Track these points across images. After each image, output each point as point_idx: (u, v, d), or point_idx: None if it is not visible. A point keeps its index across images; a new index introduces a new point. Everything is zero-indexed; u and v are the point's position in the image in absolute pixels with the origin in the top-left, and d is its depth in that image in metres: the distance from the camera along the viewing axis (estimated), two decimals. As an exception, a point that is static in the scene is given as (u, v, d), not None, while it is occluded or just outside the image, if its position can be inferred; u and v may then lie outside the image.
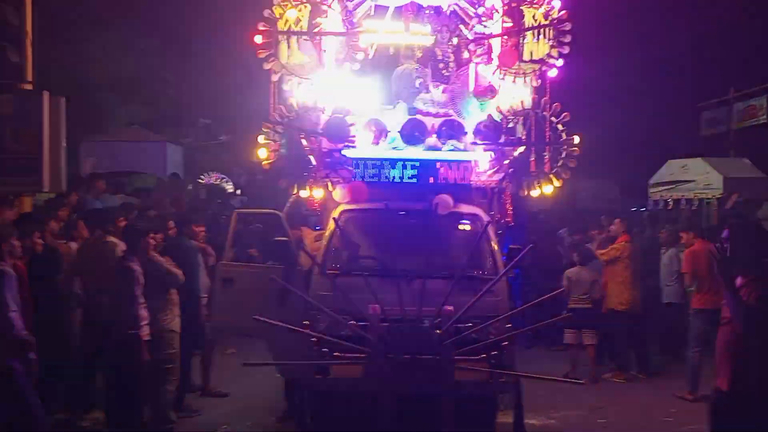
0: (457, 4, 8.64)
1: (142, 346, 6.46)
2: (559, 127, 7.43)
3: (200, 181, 18.81)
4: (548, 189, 7.48)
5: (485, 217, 7.43)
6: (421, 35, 9.52)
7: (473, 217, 7.42)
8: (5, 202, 8.81)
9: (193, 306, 7.76)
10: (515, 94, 7.72)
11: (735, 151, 18.33)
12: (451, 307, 6.37)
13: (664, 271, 10.42)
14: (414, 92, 8.43)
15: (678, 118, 21.82)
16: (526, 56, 8.31)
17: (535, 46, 8.35)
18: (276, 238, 7.57)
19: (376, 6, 10.17)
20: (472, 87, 7.94)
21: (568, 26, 7.76)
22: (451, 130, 7.49)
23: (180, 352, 7.21)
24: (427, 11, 9.14)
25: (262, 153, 7.45)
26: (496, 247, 7.20)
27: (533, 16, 8.41)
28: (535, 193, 7.54)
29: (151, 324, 6.79)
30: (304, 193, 7.61)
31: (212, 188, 18.31)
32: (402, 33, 9.78)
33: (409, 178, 7.49)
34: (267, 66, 7.78)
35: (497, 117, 7.44)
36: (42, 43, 10.52)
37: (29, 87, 9.43)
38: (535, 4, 8.27)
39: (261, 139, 7.46)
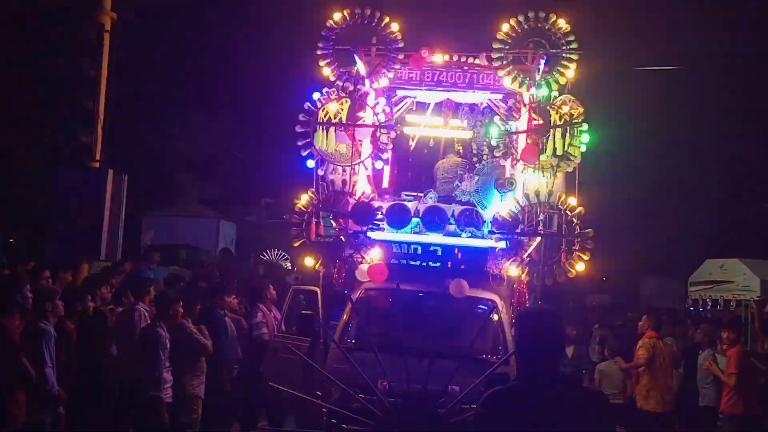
0: (490, 101, 9.27)
1: (163, 408, 6.88)
2: (574, 220, 7.75)
3: (262, 257, 19.65)
4: (562, 278, 7.72)
5: (499, 303, 7.71)
6: (460, 130, 10.20)
7: (486, 302, 7.70)
8: (66, 267, 9.64)
9: (217, 374, 8.15)
10: (539, 187, 8.13)
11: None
12: (456, 387, 6.61)
13: (700, 372, 10.25)
14: (455, 183, 9.00)
15: (748, 217, 21.59)
16: (549, 152, 8.86)
17: (560, 143, 8.88)
18: (302, 312, 8.02)
19: (417, 102, 10.99)
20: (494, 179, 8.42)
21: (585, 126, 8.21)
22: (470, 218, 7.91)
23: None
24: (463, 108, 9.84)
25: (292, 232, 8.04)
26: (508, 332, 7.43)
27: (558, 115, 8.98)
28: (549, 282, 7.80)
29: (178, 388, 7.24)
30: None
31: (269, 265, 19.10)
32: (441, 127, 10.53)
33: (428, 261, 7.88)
34: (304, 153, 8.49)
35: (515, 208, 7.83)
36: (123, 122, 11.63)
37: (96, 164, 10.41)
38: (556, 105, 8.84)
39: (293, 219, 8.07)
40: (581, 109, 9.71)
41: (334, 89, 8.96)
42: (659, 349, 9.92)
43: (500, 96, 9.21)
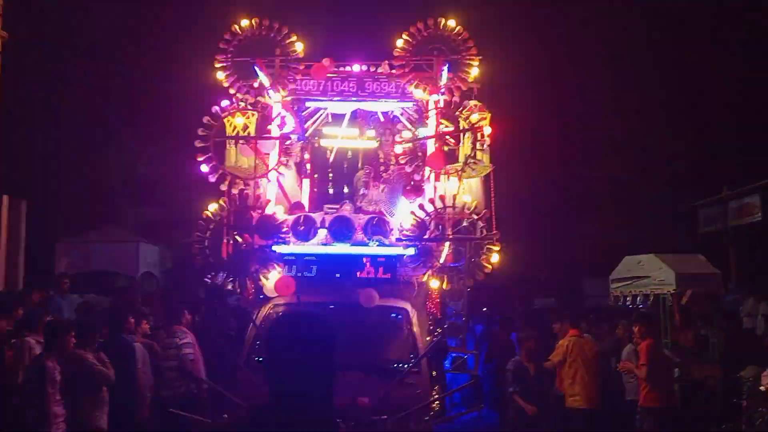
0: (403, 109, 9.21)
1: (53, 447, 6.51)
2: (479, 224, 7.74)
3: (206, 280, 18.92)
4: (480, 275, 7.70)
5: (410, 311, 7.62)
6: (368, 140, 10.13)
7: (397, 310, 7.60)
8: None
9: (127, 403, 7.78)
10: (448, 192, 8.11)
11: (733, 248, 18.52)
12: (366, 399, 6.47)
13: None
14: (360, 192, 8.90)
15: (678, 216, 22.18)
16: (461, 158, 8.88)
17: (467, 149, 8.91)
18: (226, 332, 7.77)
19: (333, 115, 10.88)
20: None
21: (487, 130, 8.24)
22: (377, 227, 7.81)
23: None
24: (373, 117, 9.77)
25: (195, 249, 7.78)
26: (419, 339, 7.34)
27: (467, 122, 9.01)
28: (468, 285, 7.75)
29: (76, 422, 6.87)
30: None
31: (211, 288, 18.51)
32: (357, 138, 10.45)
33: (336, 273, 7.74)
34: (204, 169, 8.24)
35: (421, 215, 7.77)
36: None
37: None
38: (462, 111, 8.87)
39: (194, 236, 7.81)
40: (487, 114, 9.82)
41: (237, 103, 8.78)
42: (580, 347, 9.98)
43: (411, 104, 9.20)
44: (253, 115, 9.04)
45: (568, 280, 21.84)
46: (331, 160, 11.20)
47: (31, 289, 11.46)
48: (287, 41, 8.78)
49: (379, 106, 9.45)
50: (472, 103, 9.81)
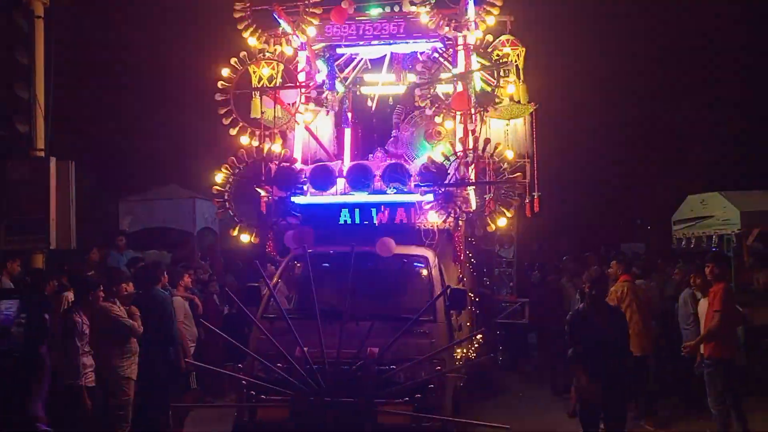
0: (435, 49, 8.79)
1: (84, 395, 6.79)
2: (503, 166, 7.36)
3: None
4: (491, 227, 7.36)
5: (431, 259, 7.40)
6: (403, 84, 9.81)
7: (416, 258, 7.40)
8: (14, 255, 9.65)
9: (164, 354, 8.01)
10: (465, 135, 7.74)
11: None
12: (376, 349, 6.37)
13: (680, 313, 9.80)
14: (394, 136, 8.71)
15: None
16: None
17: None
18: (248, 284, 7.84)
19: (372, 61, 10.59)
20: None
21: (511, 65, 7.75)
22: (395, 173, 7.57)
23: (137, 398, 7.45)
24: (411, 58, 9.39)
25: (215, 203, 7.81)
26: (437, 288, 7.14)
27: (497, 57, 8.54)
28: (478, 232, 7.44)
29: (106, 370, 7.15)
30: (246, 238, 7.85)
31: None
32: (397, 84, 10.16)
33: (354, 221, 7.59)
34: (225, 121, 8.21)
35: (440, 159, 7.45)
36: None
37: (41, 154, 10.28)
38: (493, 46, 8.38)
39: (214, 189, 7.83)
40: (521, 49, 9.27)
41: (259, 53, 8.65)
42: (633, 292, 9.48)
43: (439, 44, 8.78)
44: (278, 65, 8.90)
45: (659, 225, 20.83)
46: (373, 108, 10.97)
47: (90, 247, 12.02)
48: (304, -14, 8.50)
49: (412, 47, 9.06)
50: (504, 37, 9.28)
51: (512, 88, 8.29)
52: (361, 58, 10.60)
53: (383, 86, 10.58)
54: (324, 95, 10.26)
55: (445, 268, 7.93)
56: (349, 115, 10.95)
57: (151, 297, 8.29)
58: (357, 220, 7.57)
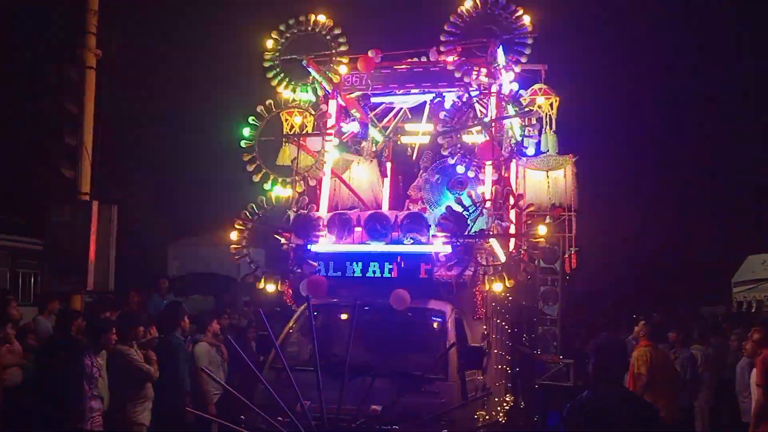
0: (460, 97, 8.63)
1: (90, 439, 6.75)
2: (523, 218, 7.03)
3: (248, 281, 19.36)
4: (511, 283, 6.99)
5: (448, 313, 7.07)
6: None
7: (432, 313, 7.08)
8: (53, 297, 9.89)
9: (173, 400, 7.92)
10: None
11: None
12: (379, 407, 6.08)
13: (737, 383, 9.03)
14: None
15: None
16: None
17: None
18: (260, 333, 7.73)
19: (411, 110, 10.54)
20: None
21: (538, 114, 7.48)
22: (413, 223, 7.35)
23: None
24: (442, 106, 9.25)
25: (233, 251, 7.77)
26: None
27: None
28: (498, 287, 7.07)
29: (119, 415, 7.10)
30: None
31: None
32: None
33: (370, 272, 7.37)
34: (250, 168, 8.24)
35: (458, 209, 7.19)
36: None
37: (86, 198, 10.61)
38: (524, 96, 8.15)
39: (233, 235, 7.80)
40: (555, 98, 9.00)
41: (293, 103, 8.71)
42: (656, 358, 8.75)
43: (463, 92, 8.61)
44: (310, 114, 8.94)
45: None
46: (413, 157, 10.86)
47: (130, 290, 12.24)
48: (332, 35, 8.55)
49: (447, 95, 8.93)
50: (537, 86, 9.04)
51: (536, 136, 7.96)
52: (400, 108, 10.57)
53: (423, 135, 10.48)
54: (362, 144, 10.28)
55: (470, 325, 7.58)
56: (389, 165, 10.89)
57: (166, 342, 8.28)
58: (371, 272, 7.33)
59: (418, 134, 10.59)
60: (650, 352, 8.28)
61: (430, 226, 7.34)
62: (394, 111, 10.68)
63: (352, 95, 9.49)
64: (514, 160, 10.40)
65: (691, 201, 20.26)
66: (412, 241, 7.31)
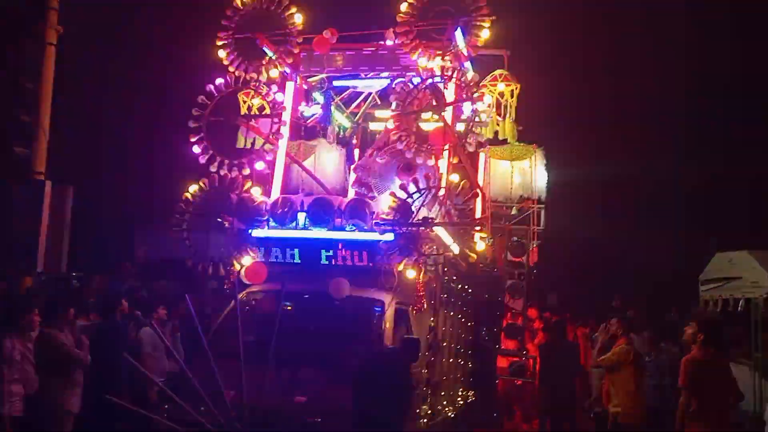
0: (410, 80, 8.37)
1: (5, 424, 6.49)
2: (467, 206, 6.78)
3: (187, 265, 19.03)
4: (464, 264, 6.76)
5: (387, 303, 6.84)
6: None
7: (370, 303, 6.85)
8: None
9: (110, 385, 7.68)
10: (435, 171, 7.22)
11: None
12: (303, 398, 5.87)
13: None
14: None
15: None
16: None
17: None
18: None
19: (380, 94, 10.26)
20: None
21: (486, 98, 7.23)
22: (356, 210, 7.10)
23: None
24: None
25: (173, 233, 7.53)
26: (387, 336, 6.56)
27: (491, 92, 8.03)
28: (448, 274, 6.84)
29: (45, 401, 6.86)
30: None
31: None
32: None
33: (310, 259, 7.13)
34: (197, 149, 7.98)
35: (402, 196, 6.94)
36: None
37: (41, 177, 10.34)
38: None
39: (174, 218, 7.57)
40: (516, 85, 8.75)
41: (241, 82, 8.42)
42: (637, 356, 8.52)
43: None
44: (269, 95, 8.67)
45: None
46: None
47: (93, 273, 12.02)
48: (287, 14, 8.28)
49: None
50: (497, 72, 8.78)
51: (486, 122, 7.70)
52: (369, 93, 10.31)
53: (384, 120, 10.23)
54: (323, 128, 10.00)
55: (417, 317, 7.34)
56: (356, 152, 10.63)
57: (103, 327, 8.05)
58: (311, 259, 7.09)
59: (389, 120, 10.36)
60: (629, 350, 7.97)
61: (373, 212, 7.09)
62: (363, 96, 10.43)
63: (314, 78, 9.23)
64: (482, 150, 10.22)
65: (661, 195, 19.98)
66: (354, 228, 7.06)
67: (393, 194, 6.93)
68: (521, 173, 10.24)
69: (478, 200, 10.07)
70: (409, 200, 6.88)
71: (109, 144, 16.05)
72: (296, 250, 7.17)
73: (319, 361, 6.28)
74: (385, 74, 8.42)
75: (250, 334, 6.90)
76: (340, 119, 10.39)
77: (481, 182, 10.52)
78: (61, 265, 10.24)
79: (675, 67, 20.15)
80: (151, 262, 14.25)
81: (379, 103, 10.50)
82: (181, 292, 13.01)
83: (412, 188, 6.91)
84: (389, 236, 6.88)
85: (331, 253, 7.03)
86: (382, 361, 5.29)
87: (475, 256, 6.82)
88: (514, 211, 10.32)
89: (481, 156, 10.50)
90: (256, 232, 7.31)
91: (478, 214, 10.13)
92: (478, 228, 6.78)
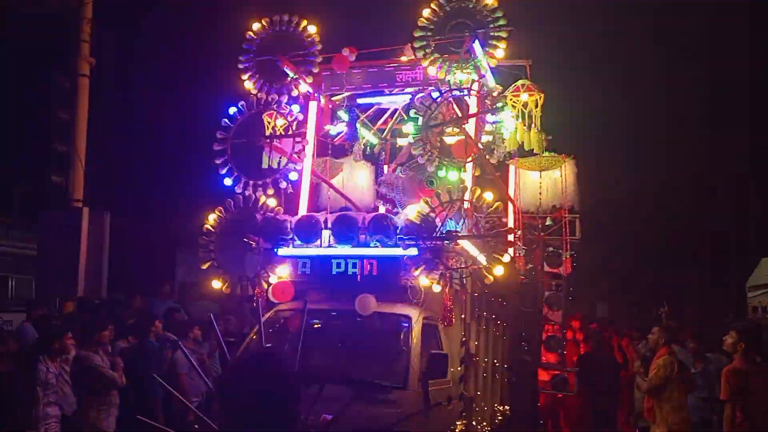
0: (429, 94, 8.36)
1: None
2: (497, 218, 6.70)
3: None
4: (478, 285, 6.65)
5: (414, 319, 6.77)
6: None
7: (397, 318, 6.79)
8: (39, 304, 9.94)
9: (144, 406, 7.82)
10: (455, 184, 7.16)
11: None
12: (330, 416, 5.82)
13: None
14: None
15: None
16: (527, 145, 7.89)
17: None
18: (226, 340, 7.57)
19: (405, 108, 10.26)
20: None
21: (506, 111, 7.15)
22: (380, 225, 7.07)
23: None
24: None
25: (201, 253, 7.63)
26: (415, 351, 6.49)
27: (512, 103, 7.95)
28: (469, 288, 6.74)
29: (81, 422, 7.01)
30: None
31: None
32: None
33: (337, 276, 7.13)
34: (222, 171, 8.09)
35: (425, 210, 6.89)
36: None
37: (78, 205, 10.65)
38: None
39: (201, 239, 7.66)
40: (539, 94, 8.64)
41: (266, 104, 8.52)
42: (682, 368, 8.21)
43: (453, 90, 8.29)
44: (291, 116, 8.75)
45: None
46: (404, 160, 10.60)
47: (134, 295, 12.26)
48: (305, 34, 8.36)
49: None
50: (520, 82, 8.69)
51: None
52: (395, 109, 10.32)
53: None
54: (350, 145, 10.04)
55: (447, 331, 7.25)
56: (386, 167, 10.64)
57: (138, 348, 8.19)
58: (336, 276, 7.08)
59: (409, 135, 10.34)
60: (673, 362, 7.68)
61: (397, 227, 7.06)
62: (389, 112, 10.45)
63: (337, 97, 9.29)
64: (510, 162, 10.11)
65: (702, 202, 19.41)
66: (378, 243, 7.04)
67: (415, 208, 6.89)
68: (552, 183, 10.08)
69: (510, 212, 9.99)
70: (432, 214, 6.83)
71: (155, 172, 16.42)
72: (321, 268, 7.16)
73: (346, 379, 6.25)
74: (409, 90, 8.40)
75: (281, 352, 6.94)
76: (368, 136, 10.42)
77: (511, 194, 10.42)
78: (101, 289, 10.51)
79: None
80: (189, 284, 14.47)
81: (405, 118, 10.51)
82: (221, 312, 13.22)
83: (435, 202, 6.86)
84: (413, 251, 6.83)
85: (355, 269, 7.01)
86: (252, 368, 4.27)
87: (502, 268, 6.68)
88: (548, 222, 10.15)
89: (511, 168, 10.41)
90: (282, 251, 7.35)
91: (510, 226, 10.06)
92: (507, 239, 6.64)
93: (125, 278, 13.93)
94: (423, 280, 6.81)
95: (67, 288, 10.18)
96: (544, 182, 10.01)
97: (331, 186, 9.46)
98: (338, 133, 9.65)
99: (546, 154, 9.50)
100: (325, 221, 7.34)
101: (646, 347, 8.46)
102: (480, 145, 7.25)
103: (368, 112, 10.19)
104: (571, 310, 13.15)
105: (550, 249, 10.79)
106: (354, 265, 7.04)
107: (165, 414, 7.90)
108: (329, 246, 7.29)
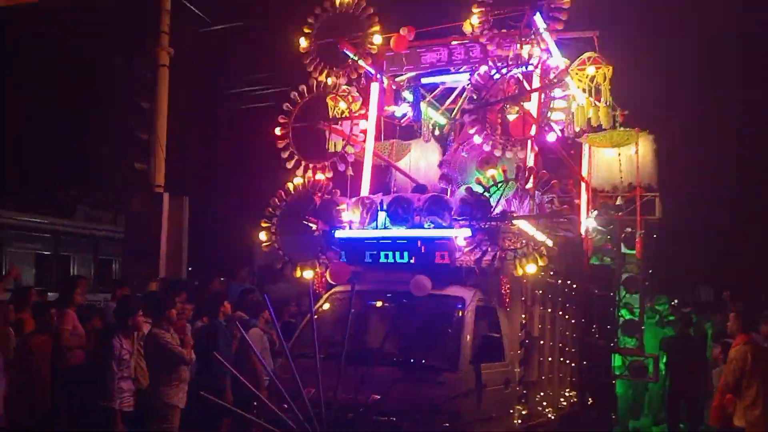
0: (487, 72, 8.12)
1: (117, 418, 7.02)
2: (545, 198, 6.47)
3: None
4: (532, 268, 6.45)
5: (468, 300, 6.69)
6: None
7: (451, 300, 6.72)
8: (121, 284, 10.51)
9: (214, 385, 8.09)
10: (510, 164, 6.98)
11: None
12: (378, 396, 5.87)
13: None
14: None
15: None
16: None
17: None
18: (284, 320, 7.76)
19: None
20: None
21: (565, 86, 6.86)
22: (434, 206, 6.99)
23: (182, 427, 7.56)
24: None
25: (262, 236, 7.81)
26: (468, 332, 6.41)
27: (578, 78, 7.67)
28: (520, 271, 6.56)
29: (152, 397, 7.37)
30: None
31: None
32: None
33: (390, 258, 7.12)
34: (284, 155, 8.23)
35: (478, 189, 6.75)
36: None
37: (159, 190, 11.17)
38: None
39: (261, 236, 7.85)
40: (607, 67, 8.25)
41: (327, 87, 8.57)
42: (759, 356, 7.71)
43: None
44: (353, 98, 8.77)
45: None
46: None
47: (212, 278, 12.73)
48: (365, 15, 8.33)
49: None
50: (586, 55, 8.32)
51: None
52: (463, 87, 10.15)
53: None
54: (417, 126, 9.97)
55: (507, 313, 7.13)
56: (455, 146, 10.52)
57: (210, 327, 8.51)
58: (390, 258, 7.07)
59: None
60: (746, 352, 7.23)
61: (452, 208, 6.96)
62: (457, 91, 10.28)
63: (401, 77, 9.22)
64: (582, 139, 9.74)
65: None
66: (432, 225, 6.97)
67: (469, 188, 6.77)
68: (627, 160, 9.64)
69: (582, 191, 9.64)
70: (486, 194, 6.69)
71: (235, 159, 16.94)
72: (376, 250, 7.17)
73: (396, 360, 6.27)
74: (466, 68, 8.22)
75: (336, 333, 7.03)
76: (435, 116, 10.31)
77: (585, 172, 10.04)
78: (181, 270, 11.02)
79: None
80: (270, 265, 14.85)
81: (474, 97, 10.32)
82: (296, 295, 13.52)
83: (488, 181, 6.71)
84: (466, 232, 6.72)
85: (409, 251, 6.98)
86: None
87: (556, 249, 6.46)
88: (619, 201, 9.72)
89: (584, 146, 10.03)
90: (339, 233, 7.41)
91: (582, 206, 9.72)
92: (563, 220, 6.40)
93: (205, 261, 14.53)
94: (476, 261, 6.70)
95: (149, 270, 10.75)
96: (620, 159, 9.58)
97: (393, 166, 9.45)
98: (403, 115, 9.59)
99: (619, 129, 9.08)
100: (381, 203, 7.34)
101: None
102: (552, 124, 6.98)
103: (435, 92, 10.07)
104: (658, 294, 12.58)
105: (628, 229, 10.35)
106: (407, 247, 7.00)
107: (234, 393, 8.17)
108: (384, 227, 7.29)
